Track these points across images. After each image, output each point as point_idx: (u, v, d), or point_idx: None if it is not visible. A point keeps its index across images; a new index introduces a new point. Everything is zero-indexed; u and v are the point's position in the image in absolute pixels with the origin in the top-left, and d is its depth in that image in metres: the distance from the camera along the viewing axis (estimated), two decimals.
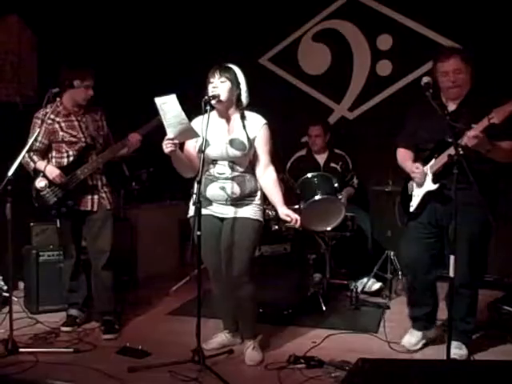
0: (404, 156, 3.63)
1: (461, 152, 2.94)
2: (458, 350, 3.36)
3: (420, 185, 3.46)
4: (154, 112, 3.14)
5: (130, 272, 5.10)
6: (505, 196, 4.84)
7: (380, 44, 5.56)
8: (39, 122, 3.79)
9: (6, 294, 4.07)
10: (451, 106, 3.39)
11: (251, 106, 3.41)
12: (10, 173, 3.38)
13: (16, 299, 4.24)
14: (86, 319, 4.06)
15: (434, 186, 3.36)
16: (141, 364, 3.31)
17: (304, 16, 5.79)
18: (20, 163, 3.48)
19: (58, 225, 3.96)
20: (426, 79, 3.19)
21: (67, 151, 3.84)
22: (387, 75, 5.55)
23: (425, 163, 3.45)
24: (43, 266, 4.28)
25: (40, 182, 3.79)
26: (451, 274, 2.89)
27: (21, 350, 3.44)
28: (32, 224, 4.53)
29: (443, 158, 3.26)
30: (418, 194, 3.49)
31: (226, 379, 3.08)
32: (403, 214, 3.66)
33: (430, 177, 3.40)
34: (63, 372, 3.25)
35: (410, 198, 3.56)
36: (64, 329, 3.91)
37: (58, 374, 3.23)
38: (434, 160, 3.38)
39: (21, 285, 4.64)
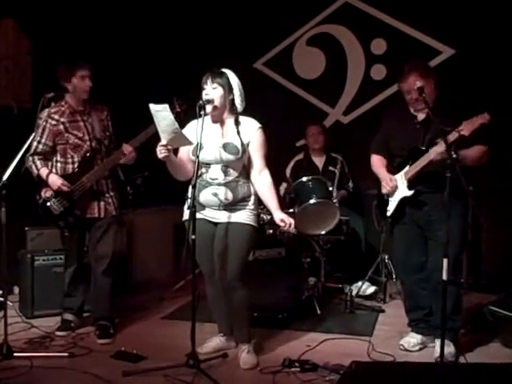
0: (377, 163, 3.79)
1: (437, 158, 3.19)
2: (445, 347, 3.35)
3: (391, 193, 3.61)
4: (146, 117, 3.16)
5: (125, 276, 5.09)
6: (498, 199, 4.91)
7: (374, 48, 5.60)
8: (42, 122, 3.75)
9: (1, 299, 4.05)
10: (421, 116, 3.51)
11: (245, 111, 3.42)
12: (5, 177, 3.36)
13: (11, 304, 4.22)
14: (81, 324, 4.05)
15: (410, 193, 3.49)
16: (136, 368, 3.31)
17: (298, 20, 5.82)
18: (15, 167, 3.43)
19: (67, 234, 3.93)
20: (419, 83, 3.25)
21: (72, 156, 3.79)
22: (381, 79, 5.59)
23: (397, 170, 3.60)
24: (38, 271, 4.28)
25: (46, 193, 3.73)
26: (444, 277, 2.91)
27: (15, 354, 3.42)
28: (27, 228, 4.53)
29: (419, 164, 3.38)
30: (394, 200, 3.62)
31: (221, 383, 3.09)
32: (380, 218, 3.83)
33: (404, 183, 3.53)
34: (58, 377, 3.25)
35: (386, 202, 3.68)
36: (59, 333, 3.90)
37: (53, 378, 3.23)
38: (408, 167, 3.51)
39: (16, 289, 4.63)
